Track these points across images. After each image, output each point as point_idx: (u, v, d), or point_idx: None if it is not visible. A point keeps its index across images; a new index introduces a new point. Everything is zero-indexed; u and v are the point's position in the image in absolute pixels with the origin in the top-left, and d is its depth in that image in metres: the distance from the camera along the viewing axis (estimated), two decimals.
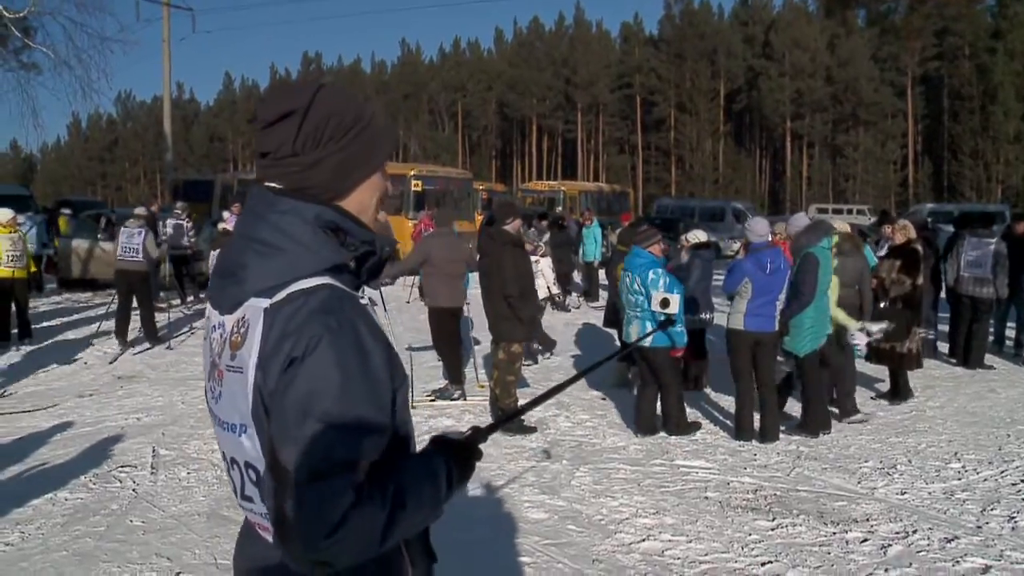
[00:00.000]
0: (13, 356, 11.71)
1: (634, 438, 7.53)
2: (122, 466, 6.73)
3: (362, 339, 1.57)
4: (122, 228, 12.98)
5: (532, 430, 7.69)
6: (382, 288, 11.85)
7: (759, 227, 7.73)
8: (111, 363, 11.49)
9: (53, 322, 14.13)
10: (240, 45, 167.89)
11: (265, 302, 1.60)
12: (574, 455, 7.03)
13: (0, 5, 15.54)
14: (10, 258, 11.86)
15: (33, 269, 12.93)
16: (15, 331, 12.43)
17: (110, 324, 12.77)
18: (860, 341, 8.14)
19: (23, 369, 11.02)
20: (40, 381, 10.48)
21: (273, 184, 1.71)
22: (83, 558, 4.93)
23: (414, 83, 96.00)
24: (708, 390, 9.49)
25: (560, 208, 34.87)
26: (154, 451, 7.16)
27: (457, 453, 1.76)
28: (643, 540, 5.18)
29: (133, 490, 6.17)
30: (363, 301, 1.68)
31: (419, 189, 24.34)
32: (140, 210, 14.11)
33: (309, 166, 1.68)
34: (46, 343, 12.55)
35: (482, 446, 1.85)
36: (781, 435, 7.46)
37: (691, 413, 8.47)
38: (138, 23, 33.86)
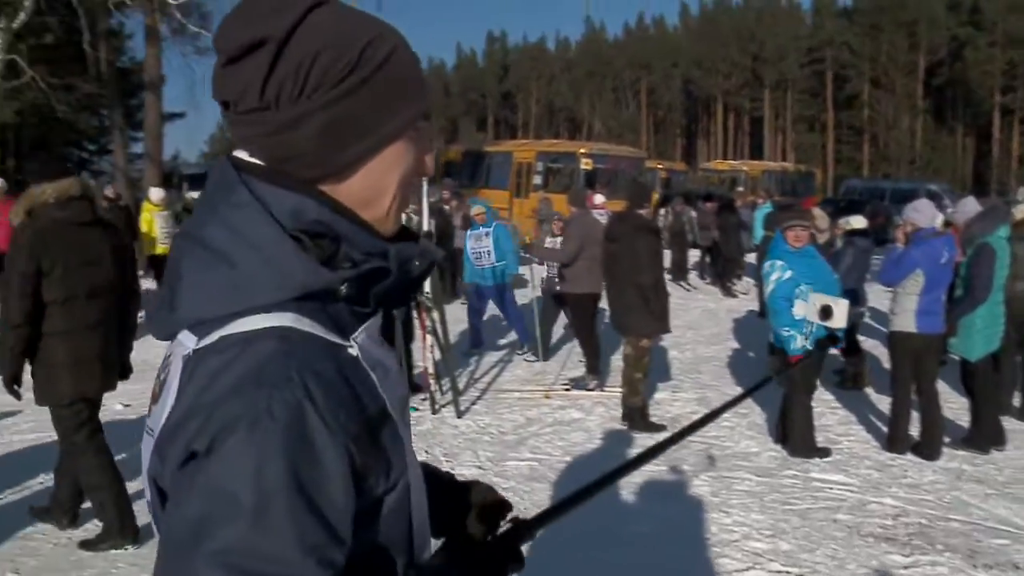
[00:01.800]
0: None
1: (771, 443, 6.84)
2: None
3: (309, 435, 0.97)
4: None
5: (660, 428, 7.15)
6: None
7: (927, 210, 6.75)
8: None
9: None
10: (424, 24, 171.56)
11: (191, 343, 1.06)
12: (698, 459, 6.43)
13: None
14: (165, 235, 12.67)
15: None
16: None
17: None
18: None
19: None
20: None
21: (243, 155, 1.14)
22: None
23: (598, 61, 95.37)
24: (869, 390, 8.59)
25: (741, 188, 33.58)
26: None
27: (480, 569, 1.20)
28: (748, 568, 4.57)
29: None
30: (352, 352, 1.09)
31: (589, 167, 23.94)
32: None
33: (285, 127, 1.08)
34: None
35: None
36: (944, 449, 6.58)
37: (844, 416, 7.69)
38: None
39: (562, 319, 10.27)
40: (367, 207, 1.15)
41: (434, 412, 7.62)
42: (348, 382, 1.05)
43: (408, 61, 1.17)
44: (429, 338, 7.50)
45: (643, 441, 6.81)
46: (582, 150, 25.20)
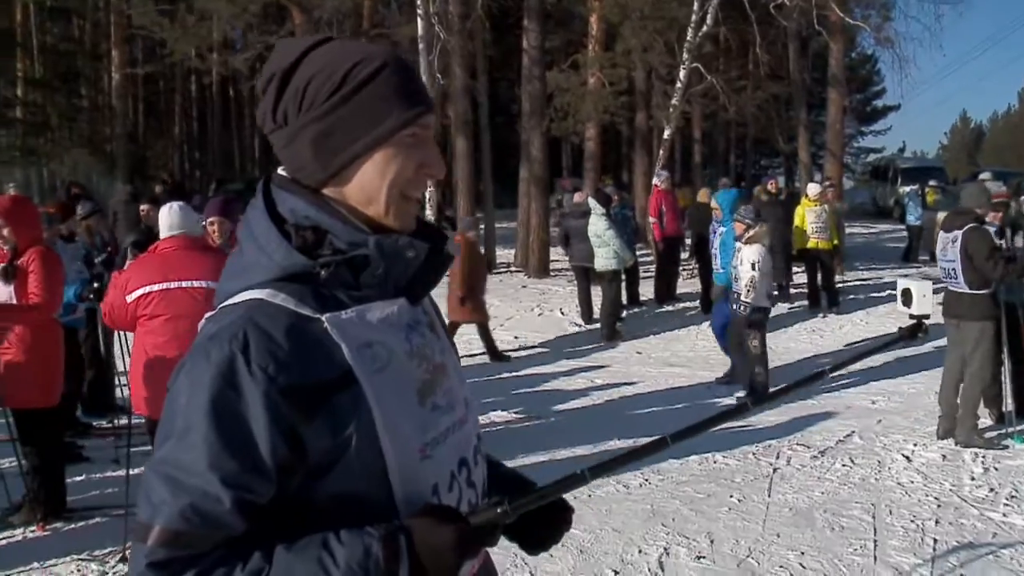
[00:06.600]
0: (817, 322, 12.46)
1: None
2: None
3: (234, 379, 1.23)
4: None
5: None
6: None
7: None
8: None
9: (860, 296, 14.29)
10: None
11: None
12: None
13: None
14: (814, 230, 12.83)
15: (835, 242, 13.44)
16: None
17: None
18: None
19: (831, 334, 11.99)
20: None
21: (281, 169, 1.43)
22: None
23: None
24: None
25: None
26: None
27: (427, 537, 1.26)
28: None
29: None
30: (322, 325, 1.30)
31: None
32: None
33: (290, 140, 1.36)
34: (852, 313, 13.01)
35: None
36: None
37: None
38: None
39: None
40: (368, 205, 1.37)
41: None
42: (301, 345, 1.27)
43: (398, 77, 1.36)
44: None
45: None
46: None
